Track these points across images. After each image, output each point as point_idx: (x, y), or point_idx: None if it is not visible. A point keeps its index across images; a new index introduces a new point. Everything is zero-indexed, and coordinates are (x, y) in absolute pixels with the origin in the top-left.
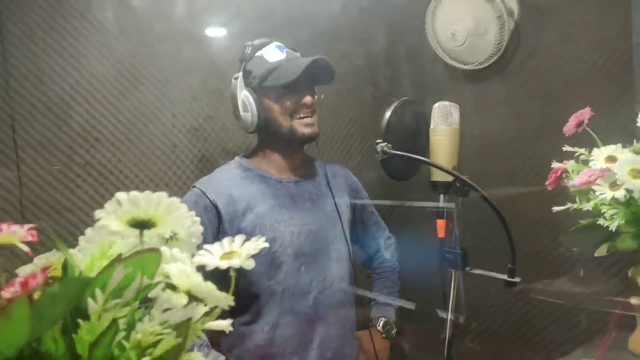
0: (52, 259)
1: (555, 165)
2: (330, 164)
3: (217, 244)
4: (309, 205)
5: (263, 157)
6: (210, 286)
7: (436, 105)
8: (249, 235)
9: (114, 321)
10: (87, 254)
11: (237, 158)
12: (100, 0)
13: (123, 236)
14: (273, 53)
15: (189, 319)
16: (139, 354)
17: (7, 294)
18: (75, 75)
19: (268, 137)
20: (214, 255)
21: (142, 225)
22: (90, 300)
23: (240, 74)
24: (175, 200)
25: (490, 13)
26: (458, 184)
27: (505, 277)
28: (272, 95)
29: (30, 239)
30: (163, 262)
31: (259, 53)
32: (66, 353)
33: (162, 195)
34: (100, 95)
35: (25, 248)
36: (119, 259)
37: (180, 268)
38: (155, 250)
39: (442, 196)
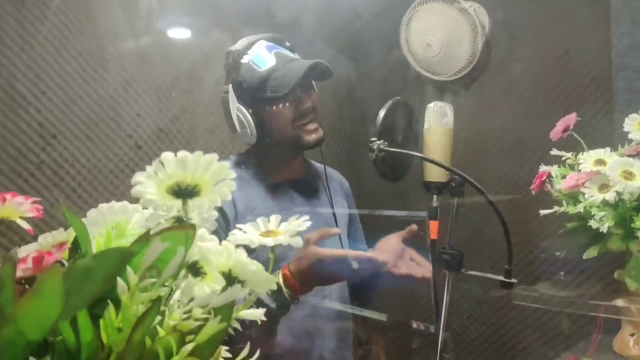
0: (59, 237)
1: (542, 168)
2: (326, 167)
3: (249, 225)
4: (307, 209)
5: (260, 158)
6: (257, 265)
7: (431, 105)
8: None
9: (157, 301)
10: (98, 235)
11: (232, 157)
12: None
13: (156, 207)
14: (261, 57)
15: (233, 302)
16: (179, 340)
17: (19, 272)
18: (35, 68)
19: (269, 144)
20: (252, 234)
21: (184, 193)
22: (119, 280)
23: (230, 87)
24: (226, 164)
25: (464, 25)
26: (453, 184)
27: (501, 278)
28: (269, 106)
29: (34, 213)
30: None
31: (245, 59)
32: (93, 341)
33: (214, 156)
34: (60, 89)
35: (26, 225)
36: (147, 235)
37: (221, 245)
38: (190, 226)
39: (435, 197)
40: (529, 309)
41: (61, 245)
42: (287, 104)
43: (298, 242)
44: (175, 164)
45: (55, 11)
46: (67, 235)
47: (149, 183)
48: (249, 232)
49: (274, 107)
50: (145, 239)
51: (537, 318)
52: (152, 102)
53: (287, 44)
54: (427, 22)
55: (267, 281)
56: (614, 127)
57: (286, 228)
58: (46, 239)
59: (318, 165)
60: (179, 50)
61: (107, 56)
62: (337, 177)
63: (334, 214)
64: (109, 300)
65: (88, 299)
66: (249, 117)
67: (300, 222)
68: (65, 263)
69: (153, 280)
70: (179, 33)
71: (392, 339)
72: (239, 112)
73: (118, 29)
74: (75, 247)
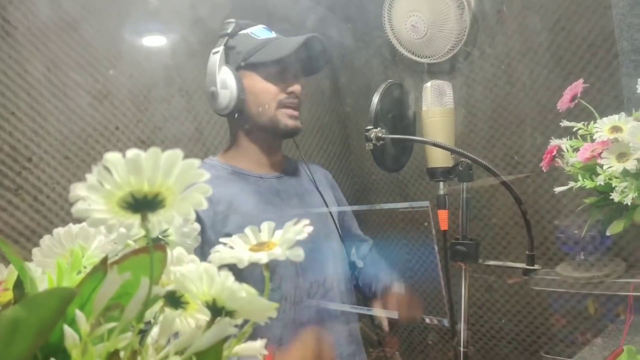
0: None
1: (552, 142)
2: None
3: (237, 237)
4: (295, 201)
5: (238, 152)
6: (250, 290)
7: (427, 84)
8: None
9: (114, 355)
10: (51, 270)
11: (206, 160)
12: (31, 3)
13: (110, 228)
14: (261, 31)
15: (223, 341)
16: None
17: None
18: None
19: (245, 128)
20: (240, 249)
21: (143, 205)
22: (67, 328)
23: (222, 48)
24: (195, 162)
25: (450, 3)
26: (461, 168)
27: (523, 265)
28: (257, 76)
29: None
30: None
31: (244, 31)
32: None
33: (177, 153)
34: (29, 108)
35: None
36: (103, 264)
37: (202, 269)
38: (160, 248)
39: (441, 184)
40: (553, 294)
41: None
42: (274, 78)
43: (299, 254)
44: (124, 168)
45: (18, 26)
46: (8, 273)
47: (94, 197)
48: (237, 247)
49: (260, 77)
50: (100, 270)
51: (563, 303)
52: (130, 114)
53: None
54: (409, 3)
55: (263, 309)
56: (622, 91)
57: (282, 237)
58: None
59: (298, 161)
60: (152, 57)
61: (77, 68)
62: (320, 170)
63: (327, 204)
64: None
65: None
66: (234, 80)
67: (300, 228)
68: None
69: (111, 325)
70: (150, 40)
71: (405, 336)
72: (225, 73)
73: (84, 39)
74: (22, 288)
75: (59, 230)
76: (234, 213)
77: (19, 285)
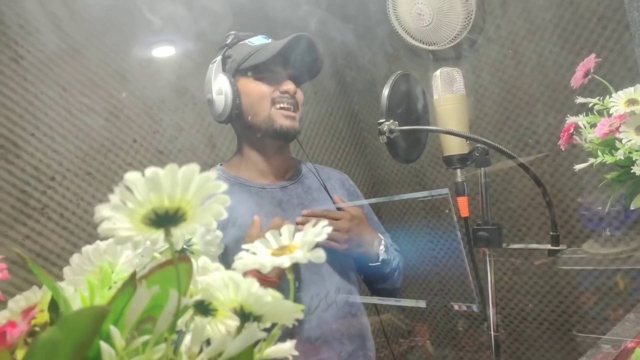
0: (33, 299)
1: (569, 120)
2: (322, 167)
3: (259, 242)
4: (299, 212)
5: (241, 161)
6: (275, 294)
7: (437, 72)
8: (232, 254)
9: None
10: (82, 287)
11: (213, 168)
12: (46, 24)
13: (136, 244)
14: (258, 40)
15: (253, 346)
16: None
17: None
18: (18, 110)
19: (244, 131)
20: (263, 255)
21: (166, 220)
22: (103, 344)
23: (219, 58)
24: (211, 175)
25: None
26: (477, 154)
27: (548, 246)
28: (250, 79)
29: None
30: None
31: (243, 41)
32: None
33: (194, 168)
34: (49, 129)
35: None
36: (132, 279)
37: (227, 276)
38: (184, 259)
39: (458, 171)
40: (581, 273)
41: (28, 311)
42: (267, 78)
43: (320, 256)
44: (145, 187)
45: (30, 49)
46: (43, 295)
47: (118, 216)
48: (260, 252)
49: (253, 79)
50: (130, 285)
51: (592, 281)
52: (146, 125)
53: None
54: None
55: (289, 312)
56: (636, 62)
57: (302, 240)
58: (17, 304)
59: (310, 165)
60: (163, 69)
61: (91, 85)
62: (336, 176)
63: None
64: None
65: None
66: (228, 86)
67: (319, 230)
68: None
69: (145, 337)
70: (160, 51)
71: (435, 325)
72: (220, 80)
73: (96, 56)
74: (56, 309)
75: (87, 248)
76: (232, 226)
77: (53, 305)
